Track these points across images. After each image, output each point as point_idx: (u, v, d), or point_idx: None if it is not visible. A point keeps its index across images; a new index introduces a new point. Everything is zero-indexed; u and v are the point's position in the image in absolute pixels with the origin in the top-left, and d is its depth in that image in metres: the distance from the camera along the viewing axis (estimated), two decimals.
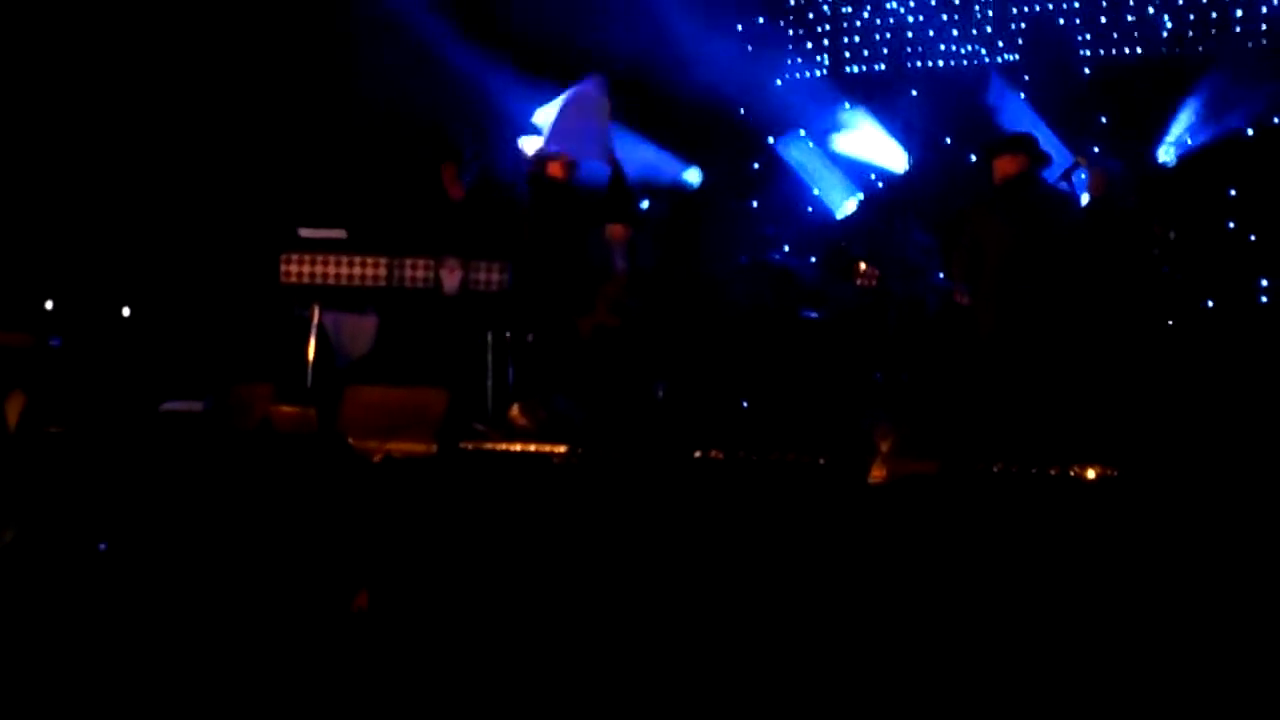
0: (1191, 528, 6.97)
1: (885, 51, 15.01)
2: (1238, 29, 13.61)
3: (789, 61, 15.49)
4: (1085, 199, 11.60)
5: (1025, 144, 11.05)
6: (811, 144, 14.86)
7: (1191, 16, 13.80)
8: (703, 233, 13.82)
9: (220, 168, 14.26)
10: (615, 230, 12.22)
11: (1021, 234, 10.63)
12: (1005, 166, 10.91)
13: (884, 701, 5.30)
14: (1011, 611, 5.72)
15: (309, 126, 14.22)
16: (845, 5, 15.30)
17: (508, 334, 12.07)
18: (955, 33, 14.73)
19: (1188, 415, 10.20)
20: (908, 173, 14.27)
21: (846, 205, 14.37)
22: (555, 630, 5.66)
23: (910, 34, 14.96)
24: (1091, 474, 9.01)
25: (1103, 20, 14.10)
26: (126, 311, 13.97)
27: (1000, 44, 14.56)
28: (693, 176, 14.35)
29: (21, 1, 13.59)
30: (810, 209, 14.96)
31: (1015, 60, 14.49)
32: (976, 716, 5.24)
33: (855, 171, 14.68)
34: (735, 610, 5.85)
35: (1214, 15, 13.70)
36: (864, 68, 15.25)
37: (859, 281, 11.19)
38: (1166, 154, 12.87)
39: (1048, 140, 12.39)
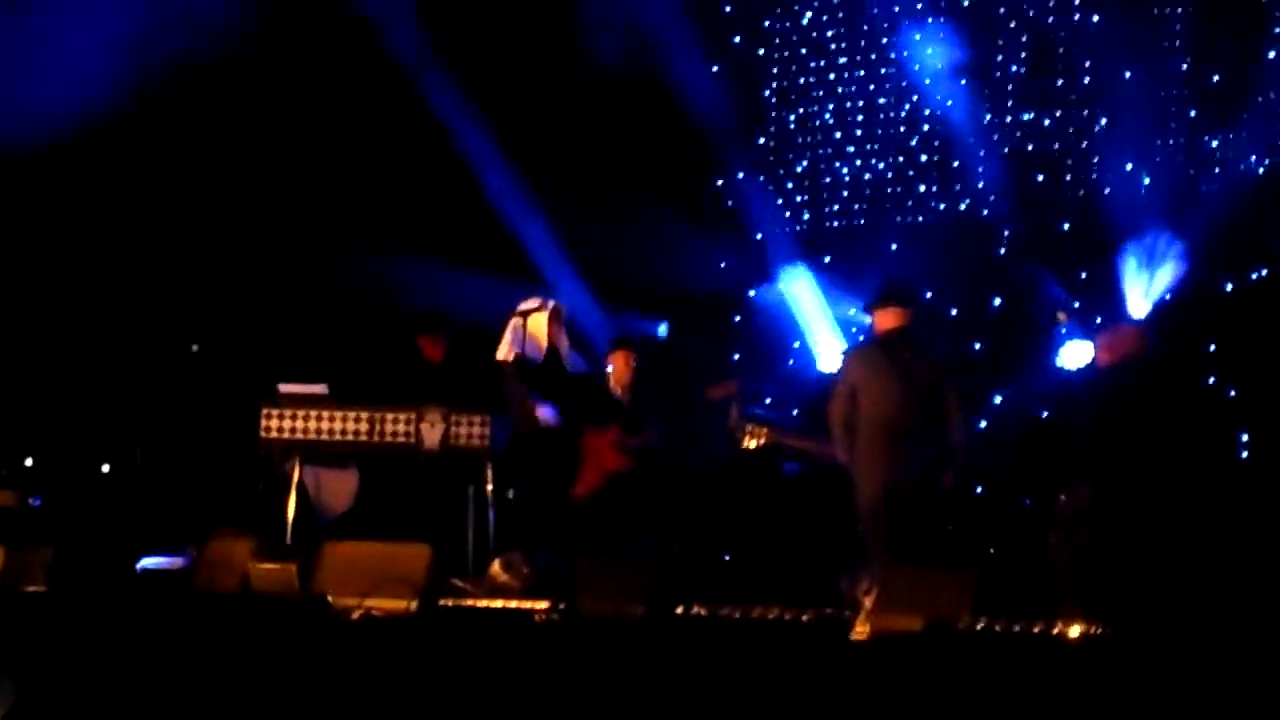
0: (1179, 687, 6.94)
1: (865, 206, 15.10)
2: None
3: (768, 215, 15.58)
4: (1069, 350, 11.66)
5: (906, 296, 10.96)
6: (791, 295, 14.92)
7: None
8: (681, 387, 13.82)
9: (201, 323, 14.28)
10: (616, 361, 12.27)
11: (902, 387, 10.50)
12: (884, 320, 10.83)
13: None
14: None
15: (290, 282, 14.27)
16: (823, 162, 15.42)
17: (489, 489, 12.05)
18: (935, 188, 14.84)
19: (1175, 574, 10.15)
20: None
21: (831, 357, 14.39)
22: None
23: (889, 190, 15.07)
24: (1075, 632, 8.99)
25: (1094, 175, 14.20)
26: (106, 468, 13.93)
27: (980, 198, 14.66)
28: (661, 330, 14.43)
29: None
30: (791, 361, 15.00)
31: (997, 214, 14.57)
32: None
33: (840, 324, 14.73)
34: None
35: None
36: (843, 221, 15.34)
37: (748, 442, 11.16)
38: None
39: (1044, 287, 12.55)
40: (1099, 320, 12.52)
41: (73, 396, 13.88)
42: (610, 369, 12.29)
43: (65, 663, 7.40)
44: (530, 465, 12.05)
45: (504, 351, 12.02)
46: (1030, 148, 14.56)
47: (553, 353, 12.16)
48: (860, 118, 15.22)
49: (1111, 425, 10.61)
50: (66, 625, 8.69)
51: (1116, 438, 10.58)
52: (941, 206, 14.76)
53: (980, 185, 14.59)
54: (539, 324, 12.13)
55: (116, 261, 13.89)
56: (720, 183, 15.52)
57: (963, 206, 14.79)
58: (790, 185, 15.55)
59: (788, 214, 15.38)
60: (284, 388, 12.40)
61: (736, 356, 15.22)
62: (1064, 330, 11.77)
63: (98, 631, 8.34)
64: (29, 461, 13.13)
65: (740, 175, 15.57)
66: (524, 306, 12.18)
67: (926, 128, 14.98)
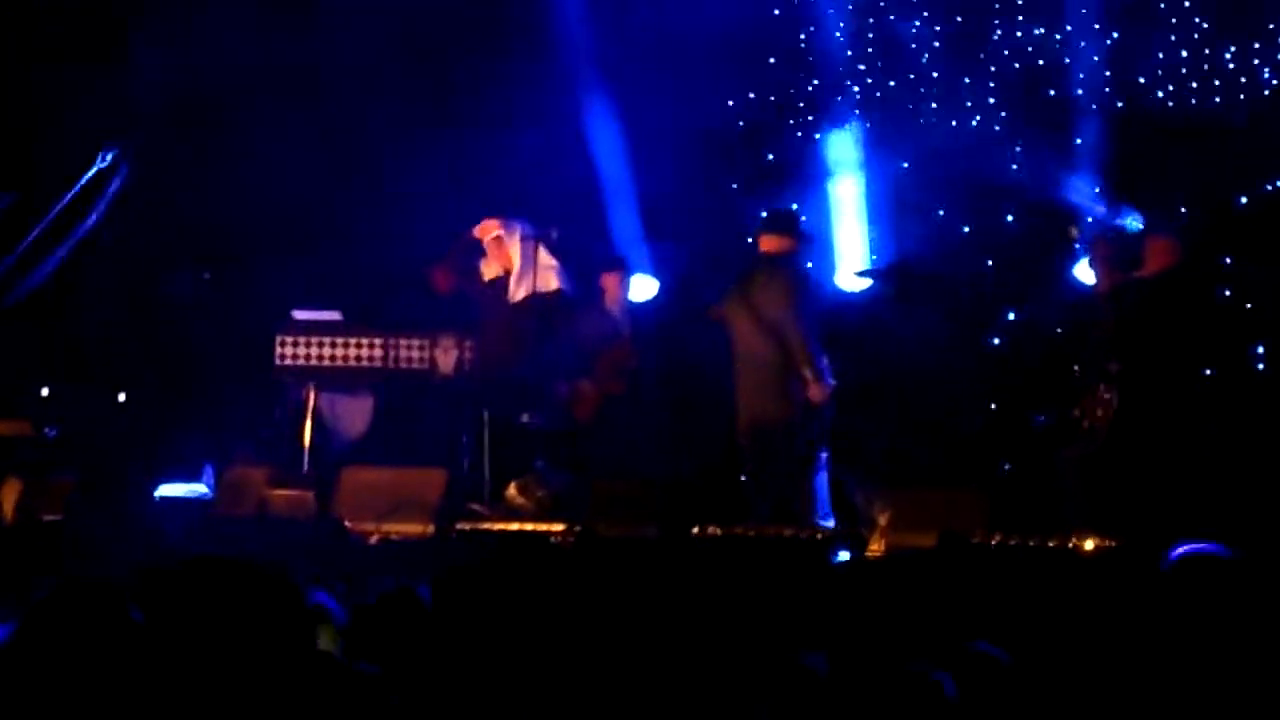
0: (1192, 600, 6.95)
1: (873, 126, 14.98)
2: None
3: (777, 137, 15.48)
4: (1083, 267, 11.62)
5: (791, 223, 11.25)
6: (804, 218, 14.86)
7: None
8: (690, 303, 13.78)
9: (216, 250, 14.26)
10: (609, 283, 12.24)
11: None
12: (770, 243, 11.12)
13: None
14: (1011, 688, 5.69)
15: (304, 207, 14.22)
16: (835, 80, 15.29)
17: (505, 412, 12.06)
18: (946, 104, 14.74)
19: (1186, 485, 10.15)
20: (901, 245, 14.24)
21: (846, 277, 14.32)
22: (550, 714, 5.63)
23: (906, 105, 14.95)
24: (1089, 545, 9.01)
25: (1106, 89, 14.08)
26: (122, 397, 13.94)
27: (992, 114, 14.55)
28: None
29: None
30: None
31: (1007, 129, 14.47)
32: None
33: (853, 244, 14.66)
34: (732, 692, 5.82)
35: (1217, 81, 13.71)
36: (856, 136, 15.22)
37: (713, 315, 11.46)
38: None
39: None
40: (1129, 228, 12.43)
41: (88, 326, 13.88)
42: (604, 291, 12.29)
43: (84, 591, 7.43)
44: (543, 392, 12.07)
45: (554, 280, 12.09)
46: (1041, 63, 14.42)
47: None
48: (870, 35, 15.08)
49: (1140, 338, 10.64)
50: (84, 553, 8.74)
51: (1144, 350, 10.60)
52: (953, 122, 14.64)
53: (991, 100, 14.48)
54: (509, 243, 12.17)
55: (130, 186, 13.84)
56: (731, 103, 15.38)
57: (974, 122, 14.67)
58: (802, 104, 15.43)
59: (798, 134, 15.26)
60: (298, 314, 12.42)
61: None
62: (1077, 245, 11.72)
63: (116, 559, 8.38)
64: (44, 392, 13.15)
65: (752, 95, 15.45)
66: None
67: (936, 45, 14.85)
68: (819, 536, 10.12)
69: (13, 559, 8.83)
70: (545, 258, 11.91)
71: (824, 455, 11.27)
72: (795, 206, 12.79)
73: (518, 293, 11.78)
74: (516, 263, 11.88)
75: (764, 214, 12.02)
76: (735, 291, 11.40)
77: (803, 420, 11.10)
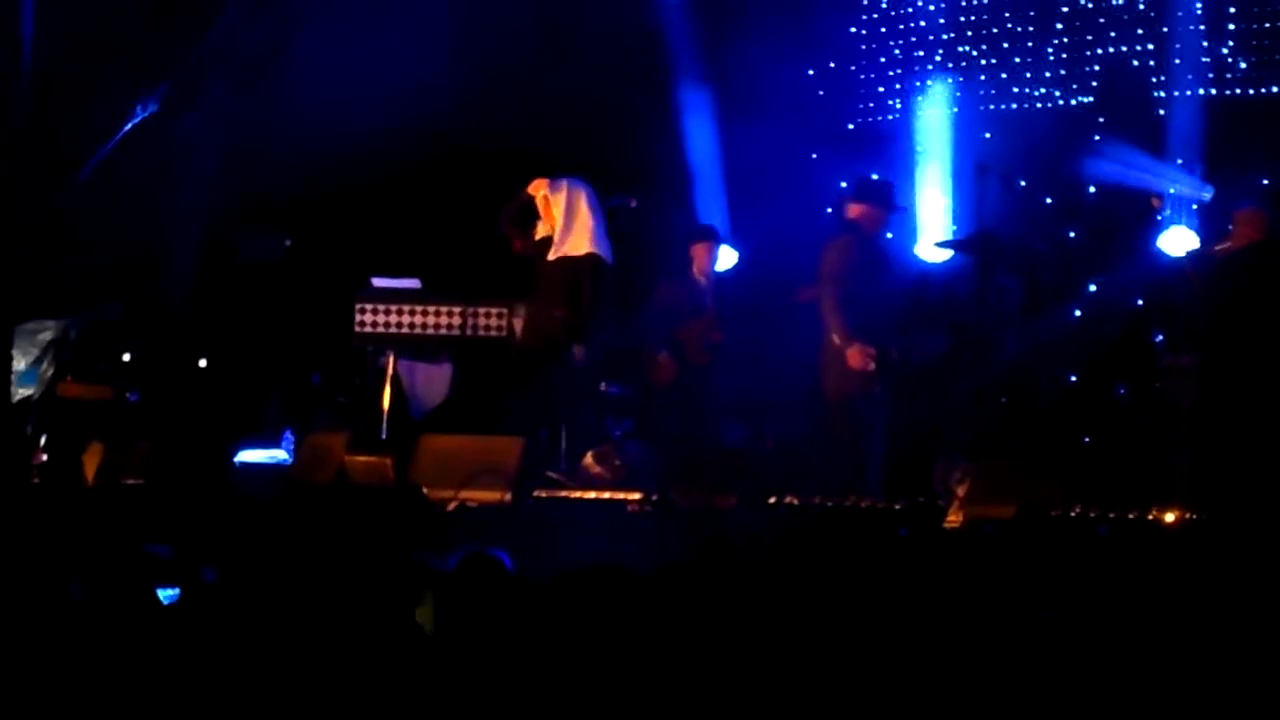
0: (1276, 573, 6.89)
1: (958, 95, 14.90)
2: None
3: (860, 105, 15.44)
4: (1167, 237, 11.54)
5: (875, 192, 11.19)
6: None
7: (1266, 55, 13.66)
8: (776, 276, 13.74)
9: (295, 218, 14.34)
10: (698, 252, 12.22)
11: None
12: (853, 210, 11.08)
13: None
14: (1091, 660, 5.65)
15: (385, 175, 14.28)
16: (917, 49, 15.24)
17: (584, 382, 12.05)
18: (1028, 75, 14.65)
19: (1270, 458, 10.05)
20: (983, 216, 14.16)
21: (927, 248, 14.25)
22: (626, 682, 5.63)
23: (984, 76, 14.87)
24: (1170, 517, 8.93)
25: (1176, 61, 13.95)
26: (203, 363, 14.05)
27: (1074, 86, 14.46)
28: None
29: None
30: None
31: (1089, 102, 14.38)
32: None
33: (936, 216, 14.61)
34: (813, 662, 5.80)
35: None
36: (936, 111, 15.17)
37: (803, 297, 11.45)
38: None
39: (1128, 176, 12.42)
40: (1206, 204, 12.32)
41: (169, 292, 13.99)
42: (693, 260, 12.26)
43: (165, 554, 7.49)
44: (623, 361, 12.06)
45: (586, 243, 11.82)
46: (1128, 33, 14.31)
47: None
48: (962, 2, 15.01)
49: (1226, 309, 10.55)
50: (165, 517, 8.80)
51: (1229, 322, 10.51)
52: (1039, 92, 14.55)
53: (1073, 71, 14.39)
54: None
55: (214, 155, 13.95)
56: (811, 72, 15.33)
57: (1058, 93, 14.58)
58: (889, 73, 15.38)
59: (888, 103, 15.22)
60: (378, 281, 12.46)
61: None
62: (1161, 216, 11.63)
63: (195, 523, 8.44)
64: (126, 357, 13.26)
65: (832, 65, 15.41)
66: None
67: (1025, 13, 14.76)
68: (896, 508, 10.08)
69: (94, 523, 8.90)
70: (585, 219, 11.75)
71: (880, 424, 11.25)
72: (876, 176, 12.70)
73: (551, 254, 11.70)
74: (559, 223, 11.75)
75: (849, 182, 11.95)
76: None
77: (860, 389, 11.05)
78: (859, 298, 10.93)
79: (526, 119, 14.28)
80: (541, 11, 14.45)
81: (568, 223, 11.63)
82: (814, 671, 5.70)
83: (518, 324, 11.86)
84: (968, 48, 14.99)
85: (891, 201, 11.53)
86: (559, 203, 11.65)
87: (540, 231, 11.77)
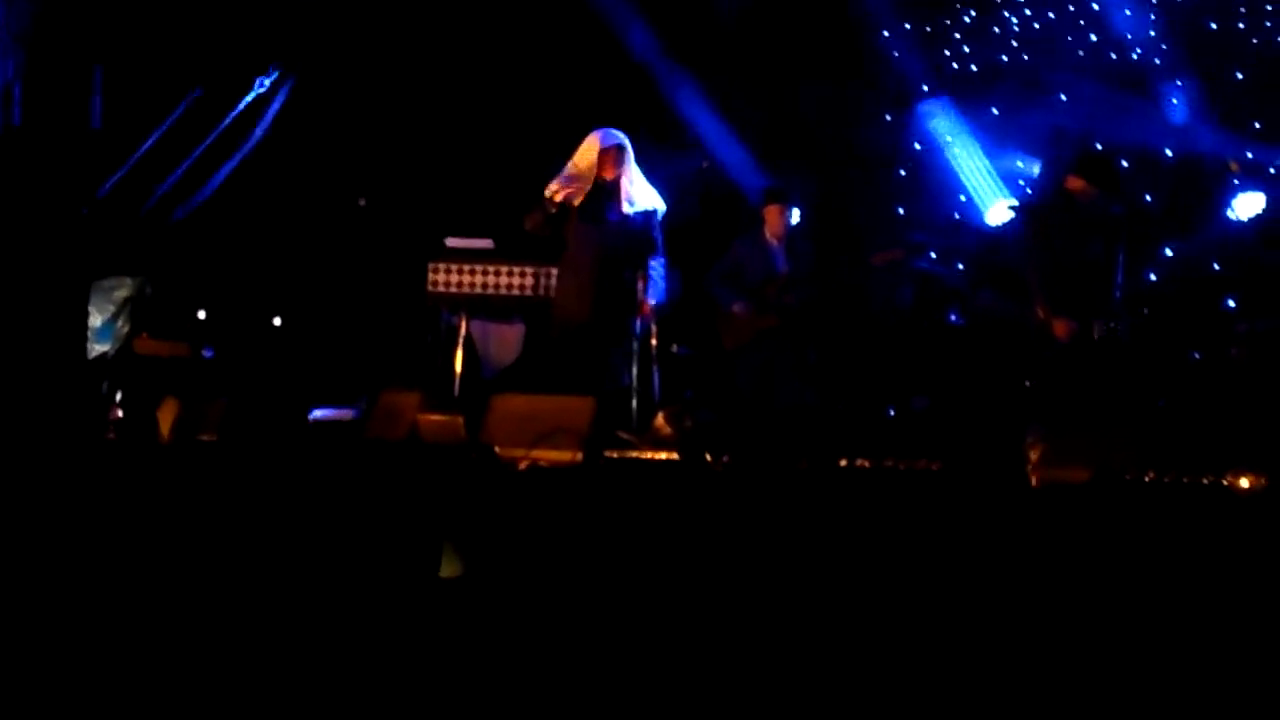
0: None
1: (1031, 56, 14.81)
2: None
3: (937, 66, 15.36)
4: (1242, 203, 11.43)
5: (1096, 167, 11.04)
6: (960, 149, 14.72)
7: None
8: (847, 239, 13.70)
9: (369, 177, 14.38)
10: (771, 214, 12.16)
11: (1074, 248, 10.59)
12: (1072, 182, 10.93)
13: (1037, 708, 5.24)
14: (1164, 626, 5.63)
15: (456, 134, 14.31)
16: (989, 8, 15.15)
17: (654, 342, 12.05)
18: (1095, 36, 14.56)
19: None
20: (1058, 180, 14.07)
21: (997, 210, 14.19)
22: (699, 636, 5.65)
23: (1056, 39, 14.78)
24: (1245, 483, 8.87)
25: (1268, 24, 13.81)
26: (277, 321, 14.12)
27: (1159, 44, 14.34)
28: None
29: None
30: (957, 215, 14.84)
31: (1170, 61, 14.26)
32: None
33: (1007, 177, 14.53)
34: (884, 619, 5.81)
35: None
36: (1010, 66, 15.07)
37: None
38: None
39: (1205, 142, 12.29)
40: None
41: (245, 251, 14.06)
42: (765, 221, 12.22)
43: (238, 510, 7.55)
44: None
45: (552, 186, 11.77)
46: None
47: (609, 192, 11.78)
48: None
49: None
50: (239, 474, 8.85)
51: None
52: (1112, 55, 14.44)
53: (1151, 33, 14.27)
54: (587, 153, 11.81)
55: (288, 115, 13.98)
56: (886, 33, 15.27)
57: (1134, 55, 14.47)
58: (957, 34, 15.30)
59: (954, 64, 15.14)
60: (450, 241, 12.49)
61: (901, 211, 15.08)
62: (1237, 181, 11.53)
63: (269, 480, 8.49)
64: (201, 314, 13.34)
65: (907, 25, 15.33)
66: None
67: None
68: (969, 471, 10.04)
69: (169, 478, 8.97)
70: (625, 184, 11.75)
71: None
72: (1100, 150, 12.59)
73: (626, 209, 11.70)
74: (631, 177, 11.75)
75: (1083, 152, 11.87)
76: None
77: None
78: (1063, 268, 10.88)
79: (596, 78, 14.30)
80: None
81: (634, 178, 11.65)
82: (881, 631, 5.71)
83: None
84: (1042, 7, 14.90)
85: (1115, 182, 11.38)
86: (622, 159, 11.64)
87: (577, 190, 11.72)
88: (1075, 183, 10.96)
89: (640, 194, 11.72)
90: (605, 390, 11.29)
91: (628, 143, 11.74)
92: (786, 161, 14.09)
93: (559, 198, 11.64)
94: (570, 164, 11.75)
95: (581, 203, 11.66)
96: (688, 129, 14.28)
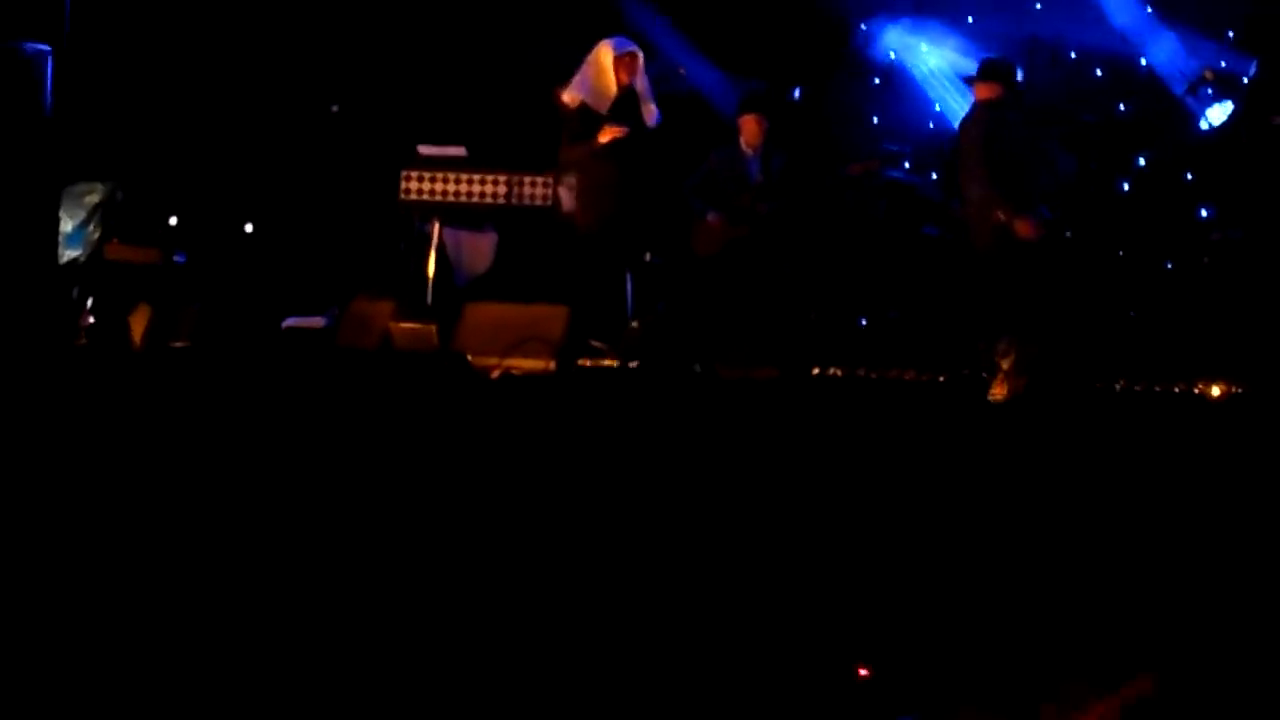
0: None
1: None
2: None
3: None
4: (1215, 112, 11.41)
5: (1001, 71, 11.01)
6: (933, 59, 14.66)
7: None
8: (819, 148, 13.64)
9: (342, 84, 14.30)
10: (747, 124, 12.09)
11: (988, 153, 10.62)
12: (981, 91, 10.90)
13: (1008, 623, 5.26)
14: (1137, 534, 5.66)
15: (430, 42, 14.22)
16: None
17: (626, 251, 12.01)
18: None
19: None
20: (1032, 88, 14.03)
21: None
22: (675, 548, 5.66)
23: None
24: (1216, 391, 8.92)
25: None
26: (249, 228, 14.07)
27: None
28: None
29: None
30: (931, 124, 14.79)
31: None
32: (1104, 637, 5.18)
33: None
34: (856, 529, 5.83)
35: None
36: None
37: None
38: None
39: (1175, 50, 12.23)
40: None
41: (216, 156, 13.98)
42: (740, 130, 12.16)
43: (211, 417, 7.54)
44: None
45: (567, 92, 11.58)
46: None
47: (629, 99, 11.63)
48: None
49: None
50: (211, 380, 8.85)
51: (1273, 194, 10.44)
52: None
53: None
54: (601, 62, 11.58)
55: (260, 24, 13.89)
56: None
57: None
58: None
59: None
60: (423, 149, 12.44)
61: (875, 120, 15.02)
62: (1210, 90, 11.50)
63: (241, 387, 8.48)
64: (173, 220, 13.28)
65: None
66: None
67: None
68: (940, 380, 10.08)
69: (141, 385, 8.96)
70: (644, 91, 11.67)
71: None
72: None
73: (649, 121, 11.63)
74: (642, 89, 11.67)
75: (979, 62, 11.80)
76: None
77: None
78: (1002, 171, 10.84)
79: None
80: None
81: (642, 89, 11.57)
82: (850, 540, 5.73)
83: (563, 193, 11.80)
84: None
85: (1017, 80, 11.37)
86: (636, 65, 11.55)
87: (598, 97, 11.62)
88: (983, 90, 10.96)
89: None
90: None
91: (639, 50, 11.64)
92: (758, 75, 14.02)
93: (575, 104, 11.51)
94: (581, 72, 11.61)
95: (607, 110, 11.52)
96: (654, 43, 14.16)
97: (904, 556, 5.59)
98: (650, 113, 11.52)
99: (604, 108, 11.46)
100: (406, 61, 14.16)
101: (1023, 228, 10.50)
